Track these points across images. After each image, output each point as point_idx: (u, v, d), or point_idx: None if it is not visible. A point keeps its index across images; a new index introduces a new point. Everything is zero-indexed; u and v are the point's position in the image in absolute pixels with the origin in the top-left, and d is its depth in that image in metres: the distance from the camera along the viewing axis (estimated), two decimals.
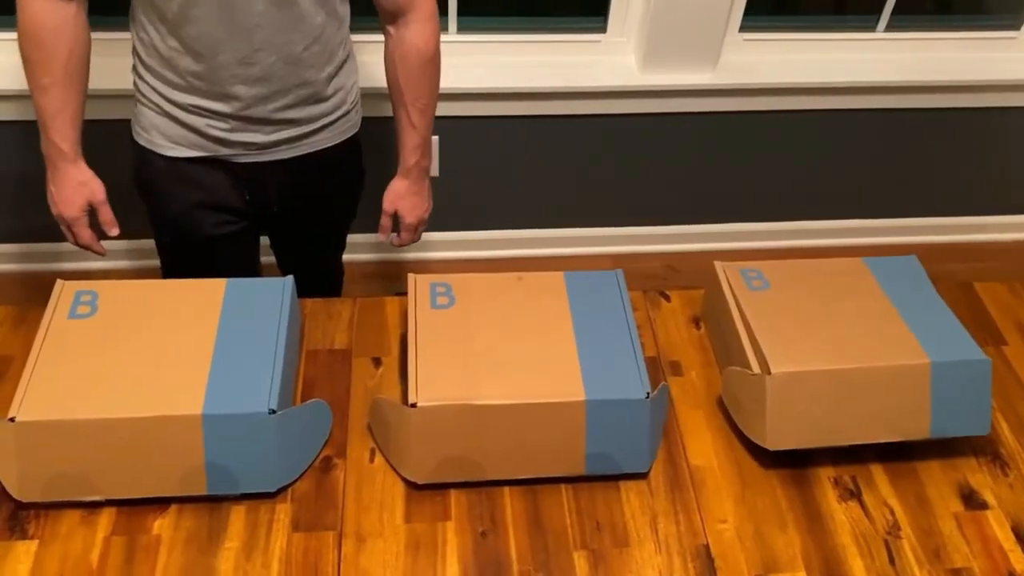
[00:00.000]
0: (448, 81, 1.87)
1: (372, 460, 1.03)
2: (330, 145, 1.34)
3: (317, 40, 1.20)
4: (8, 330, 1.14)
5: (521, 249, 2.28)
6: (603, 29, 1.96)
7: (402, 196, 1.37)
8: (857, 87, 2.02)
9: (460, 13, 1.91)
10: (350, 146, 1.38)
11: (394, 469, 1.02)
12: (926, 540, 0.99)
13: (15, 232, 2.04)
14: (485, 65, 1.94)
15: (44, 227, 2.05)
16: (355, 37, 1.33)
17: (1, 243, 2.05)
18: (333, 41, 1.23)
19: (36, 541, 0.93)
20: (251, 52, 1.15)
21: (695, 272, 2.25)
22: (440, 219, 2.22)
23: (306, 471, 1.01)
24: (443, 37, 1.90)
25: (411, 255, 2.25)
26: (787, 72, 1.99)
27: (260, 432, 0.95)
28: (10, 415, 0.91)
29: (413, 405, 0.97)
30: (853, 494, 1.03)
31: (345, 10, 1.24)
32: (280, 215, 1.40)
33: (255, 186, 1.33)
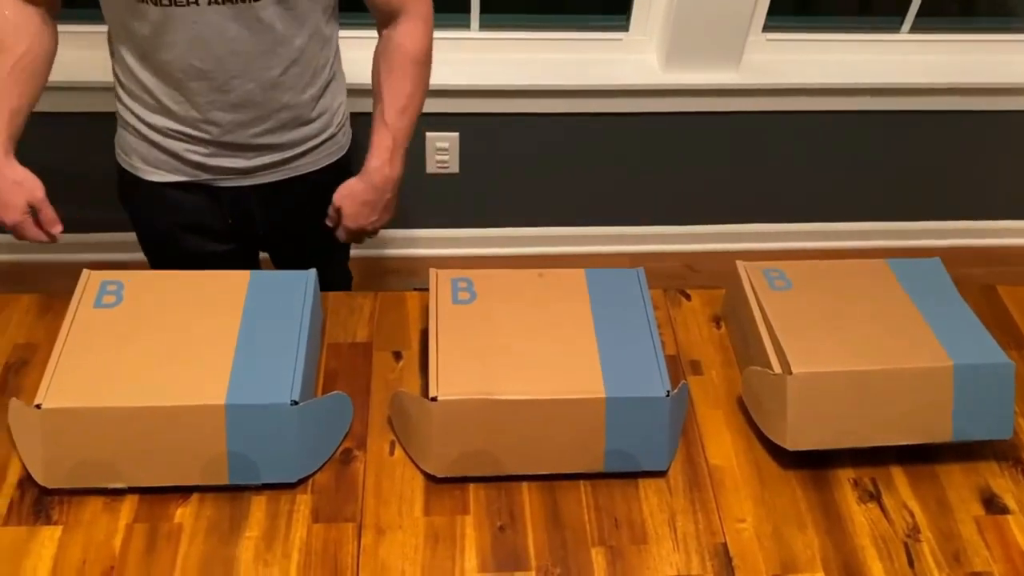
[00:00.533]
0: (469, 78, 1.89)
1: (392, 453, 1.04)
2: (315, 169, 1.29)
3: (296, 62, 1.15)
4: (33, 318, 1.15)
5: (539, 247, 2.29)
6: (625, 27, 1.96)
7: (352, 197, 1.23)
8: (881, 88, 2.01)
9: (483, 10, 1.91)
10: (337, 170, 1.31)
11: (414, 462, 1.03)
12: (946, 544, 0.99)
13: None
14: (506, 62, 1.94)
15: (69, 218, 2.08)
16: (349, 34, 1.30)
17: None
18: (316, 62, 1.18)
19: (60, 527, 0.94)
20: (226, 79, 1.12)
21: (714, 272, 2.25)
22: (459, 215, 2.23)
23: (327, 462, 1.01)
24: (465, 34, 1.94)
25: (430, 251, 2.25)
26: (810, 72, 1.98)
27: (282, 423, 0.95)
28: (36, 402, 0.92)
29: (434, 399, 0.97)
30: (873, 496, 1.03)
31: (331, 29, 1.20)
32: (267, 237, 1.36)
33: (238, 210, 1.30)
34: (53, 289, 1.17)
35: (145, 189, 1.25)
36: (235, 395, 0.94)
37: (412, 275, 2.24)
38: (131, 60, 1.13)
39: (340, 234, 1.28)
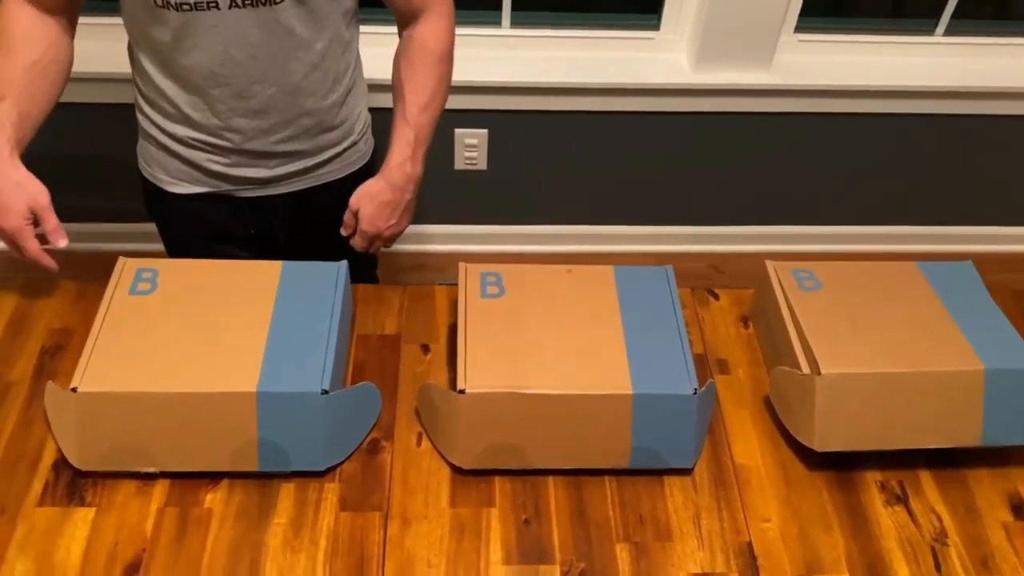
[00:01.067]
0: (499, 75, 1.90)
1: (419, 444, 1.05)
2: (337, 178, 1.28)
3: (317, 67, 1.14)
4: (69, 304, 1.17)
5: (565, 245, 2.29)
6: (656, 26, 1.96)
7: (370, 198, 1.18)
8: (913, 91, 1.99)
9: (515, 8, 1.91)
10: (359, 178, 1.25)
11: (440, 454, 1.03)
12: (974, 549, 0.98)
13: (76, 212, 2.10)
14: (537, 60, 1.94)
15: (103, 208, 2.11)
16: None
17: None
18: (337, 67, 1.17)
19: (93, 509, 0.96)
20: (247, 85, 1.11)
21: (740, 273, 2.24)
22: (487, 212, 2.24)
23: (354, 452, 1.02)
24: (496, 31, 1.94)
25: (457, 247, 2.26)
26: (842, 74, 1.97)
27: (312, 411, 0.96)
28: (72, 385, 0.94)
29: (462, 391, 0.98)
30: (900, 499, 1.02)
31: (352, 33, 1.19)
32: (289, 247, 1.35)
33: (260, 220, 1.29)
34: (83, 277, 1.19)
35: (168, 201, 1.26)
36: (266, 383, 0.95)
37: (438, 271, 2.25)
38: (151, 68, 1.12)
39: (356, 241, 1.23)
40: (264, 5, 1.05)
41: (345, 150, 1.27)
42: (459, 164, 2.11)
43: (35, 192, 1.04)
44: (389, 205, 1.19)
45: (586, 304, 1.09)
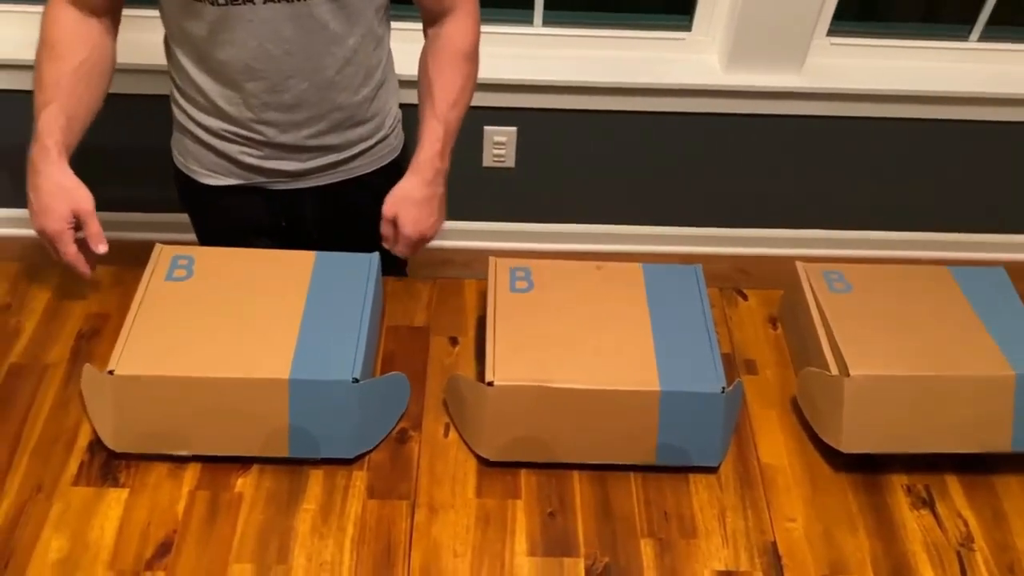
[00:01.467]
0: (530, 73, 1.91)
1: (446, 435, 1.06)
2: (369, 171, 1.29)
3: (350, 62, 1.15)
4: (106, 290, 1.19)
5: (591, 244, 2.29)
6: (688, 27, 1.96)
7: (406, 200, 1.17)
8: (946, 97, 1.98)
9: (547, 7, 1.92)
10: (390, 172, 1.29)
11: (467, 445, 1.04)
12: (1000, 554, 0.98)
13: (112, 201, 2.13)
14: (567, 58, 1.95)
15: (139, 198, 2.14)
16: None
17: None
18: (369, 62, 1.19)
19: (127, 490, 0.98)
20: (281, 79, 1.13)
21: (766, 276, 2.23)
22: (514, 210, 2.25)
23: (383, 441, 1.04)
24: (528, 30, 1.95)
25: (483, 244, 2.27)
26: (874, 78, 1.96)
27: (343, 399, 0.98)
28: (108, 368, 0.96)
29: (490, 383, 0.99)
30: (926, 503, 1.02)
31: (384, 30, 1.20)
32: (321, 240, 1.35)
33: (292, 213, 1.31)
34: (120, 264, 1.21)
35: (202, 192, 1.27)
36: (299, 370, 0.97)
37: (464, 267, 2.26)
38: (187, 62, 1.14)
39: (400, 249, 1.21)
40: (299, 0, 1.06)
41: (376, 144, 1.28)
42: (487, 161, 2.12)
43: (80, 197, 1.05)
44: (426, 203, 1.18)
45: (614, 300, 1.09)
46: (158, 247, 1.10)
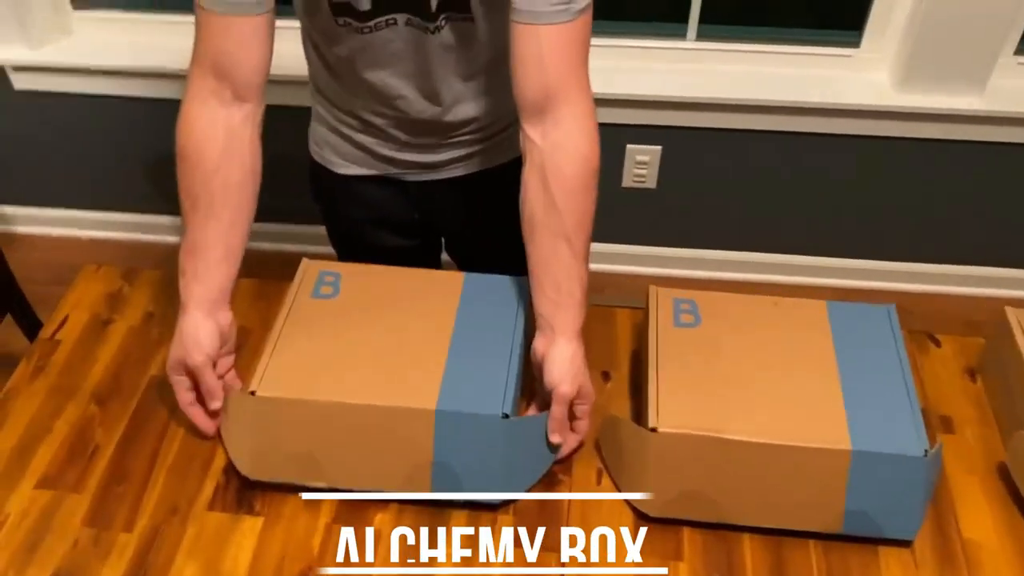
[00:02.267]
0: (680, 89, 1.81)
1: (599, 482, 0.96)
2: (505, 160, 1.20)
3: (489, 76, 1.08)
4: (248, 303, 1.15)
5: (732, 272, 2.16)
6: (856, 43, 1.81)
7: (576, 369, 0.93)
8: None
9: (702, 20, 1.82)
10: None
11: (623, 496, 0.94)
12: None
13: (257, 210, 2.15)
14: (721, 74, 1.84)
15: (283, 208, 2.15)
16: None
17: None
18: (505, 72, 1.05)
19: (261, 519, 0.92)
20: (421, 99, 1.08)
21: (928, 315, 2.04)
22: (652, 232, 2.14)
23: (532, 485, 0.95)
24: (681, 44, 1.85)
25: (615, 267, 2.17)
26: None
27: (491, 435, 0.89)
28: (250, 388, 0.91)
29: (653, 430, 0.89)
30: None
31: None
32: (456, 235, 1.31)
33: (425, 204, 1.25)
34: (263, 276, 1.18)
35: (335, 182, 1.24)
36: (446, 401, 0.89)
37: (597, 290, 2.16)
38: (324, 71, 1.10)
39: (580, 427, 0.96)
40: (435, 21, 0.99)
41: (516, 132, 1.20)
42: (627, 181, 2.02)
43: (191, 347, 0.94)
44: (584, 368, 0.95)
45: (795, 342, 0.97)
46: (305, 262, 1.06)
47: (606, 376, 1.07)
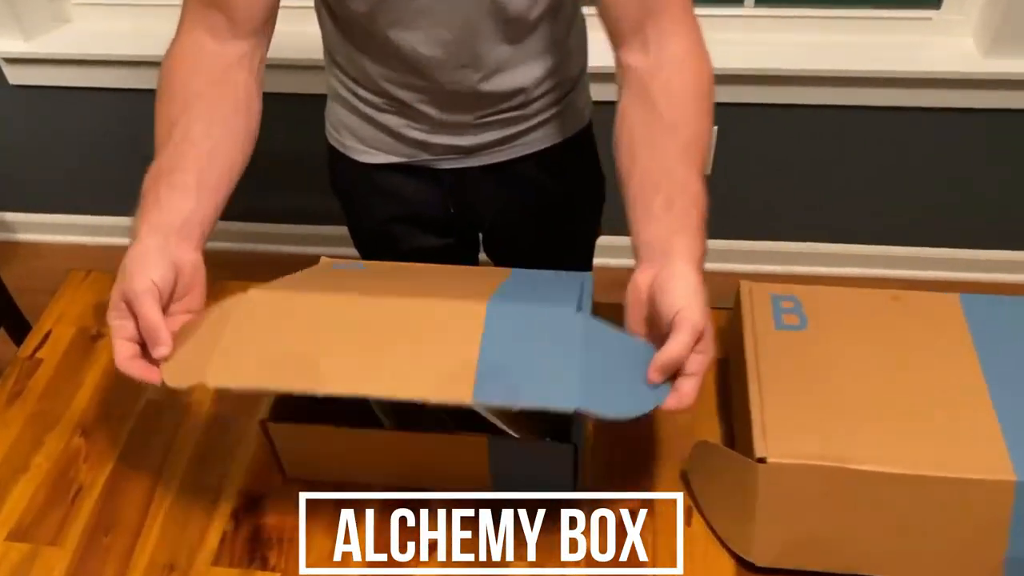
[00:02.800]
0: (737, 61, 1.62)
1: (689, 522, 0.78)
2: (551, 144, 1.06)
3: (533, 37, 0.94)
4: None
5: (806, 265, 1.98)
6: (936, 5, 1.63)
7: (702, 302, 0.69)
8: None
9: None
10: (579, 142, 1.07)
11: (721, 540, 0.77)
12: None
13: (279, 212, 1.99)
14: (783, 44, 1.66)
15: (302, 208, 2.00)
16: None
17: (259, 221, 2.01)
18: (555, 35, 0.96)
19: (277, 574, 0.76)
20: (453, 68, 0.91)
21: None
22: (709, 225, 1.95)
23: (614, 414, 0.68)
24: (738, 11, 1.66)
25: None
26: None
27: (564, 331, 0.69)
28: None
29: (762, 460, 0.71)
30: None
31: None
32: (495, 230, 1.15)
33: (461, 196, 1.09)
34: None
35: (356, 172, 1.07)
36: (498, 299, 0.71)
37: None
38: (339, 35, 0.95)
39: (687, 387, 0.68)
40: None
41: (560, 112, 1.04)
42: None
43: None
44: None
45: (927, 345, 0.80)
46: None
47: None
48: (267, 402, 0.77)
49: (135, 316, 0.69)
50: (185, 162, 0.76)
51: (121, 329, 0.70)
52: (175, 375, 0.68)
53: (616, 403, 0.67)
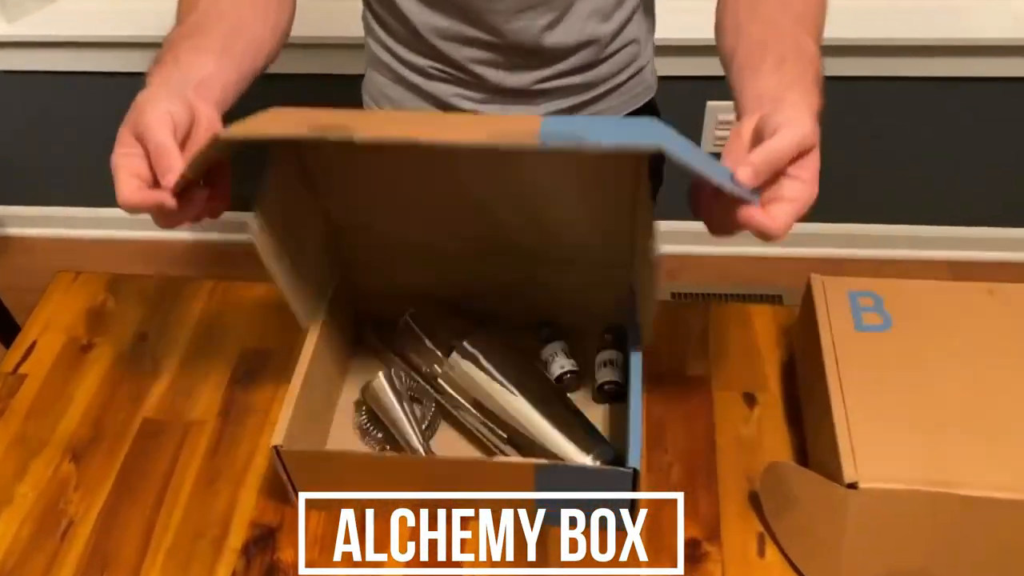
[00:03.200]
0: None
1: (761, 553, 0.69)
2: (628, 111, 0.98)
3: None
4: (264, 314, 0.89)
5: (840, 248, 1.88)
6: None
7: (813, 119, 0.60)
8: None
9: None
10: (643, 115, 1.00)
11: (800, 573, 0.67)
12: None
13: None
14: (830, 10, 1.56)
15: None
16: None
17: None
18: None
19: None
20: (512, 14, 0.83)
21: None
22: None
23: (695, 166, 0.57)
24: None
25: (696, 249, 1.88)
26: None
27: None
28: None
29: (851, 486, 0.62)
30: None
31: None
32: None
33: None
34: None
35: None
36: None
37: (670, 276, 1.89)
38: None
39: (780, 213, 0.58)
40: None
41: (627, 80, 0.95)
42: (707, 146, 1.75)
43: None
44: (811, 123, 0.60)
45: None
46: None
47: (750, 400, 0.80)
48: (281, 425, 0.68)
49: (145, 149, 0.60)
50: (209, 30, 0.69)
51: (127, 164, 0.60)
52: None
53: (704, 162, 0.56)
